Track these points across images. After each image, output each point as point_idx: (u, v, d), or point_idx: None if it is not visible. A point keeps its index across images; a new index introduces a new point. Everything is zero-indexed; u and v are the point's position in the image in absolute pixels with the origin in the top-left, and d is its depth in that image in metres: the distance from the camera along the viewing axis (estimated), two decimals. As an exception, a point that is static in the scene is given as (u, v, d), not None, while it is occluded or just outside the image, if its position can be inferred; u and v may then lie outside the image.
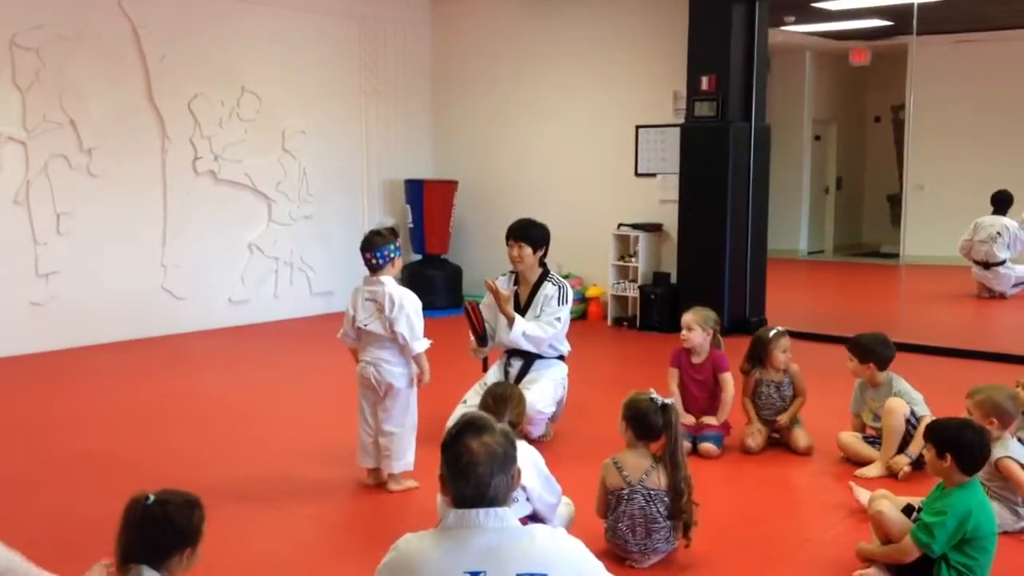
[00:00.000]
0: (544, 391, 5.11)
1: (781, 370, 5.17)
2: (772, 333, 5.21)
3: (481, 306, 5.38)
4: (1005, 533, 3.76)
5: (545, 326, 5.18)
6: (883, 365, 4.87)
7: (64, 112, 7.63)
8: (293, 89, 9.24)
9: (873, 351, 4.87)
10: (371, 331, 4.42)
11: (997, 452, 3.86)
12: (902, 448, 4.67)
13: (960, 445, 3.34)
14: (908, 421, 4.68)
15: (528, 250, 5.23)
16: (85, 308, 7.82)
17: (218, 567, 3.31)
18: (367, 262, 4.45)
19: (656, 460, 3.63)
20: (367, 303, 4.44)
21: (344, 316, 4.57)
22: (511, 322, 5.12)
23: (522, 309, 5.26)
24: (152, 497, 2.46)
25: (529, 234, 5.27)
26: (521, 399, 3.80)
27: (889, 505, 3.53)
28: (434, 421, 4.65)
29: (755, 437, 5.07)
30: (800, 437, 5.08)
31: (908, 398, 4.76)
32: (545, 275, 5.32)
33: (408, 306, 4.38)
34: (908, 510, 3.51)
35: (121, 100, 7.99)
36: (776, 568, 3.68)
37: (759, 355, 5.20)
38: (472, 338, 5.35)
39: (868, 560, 3.55)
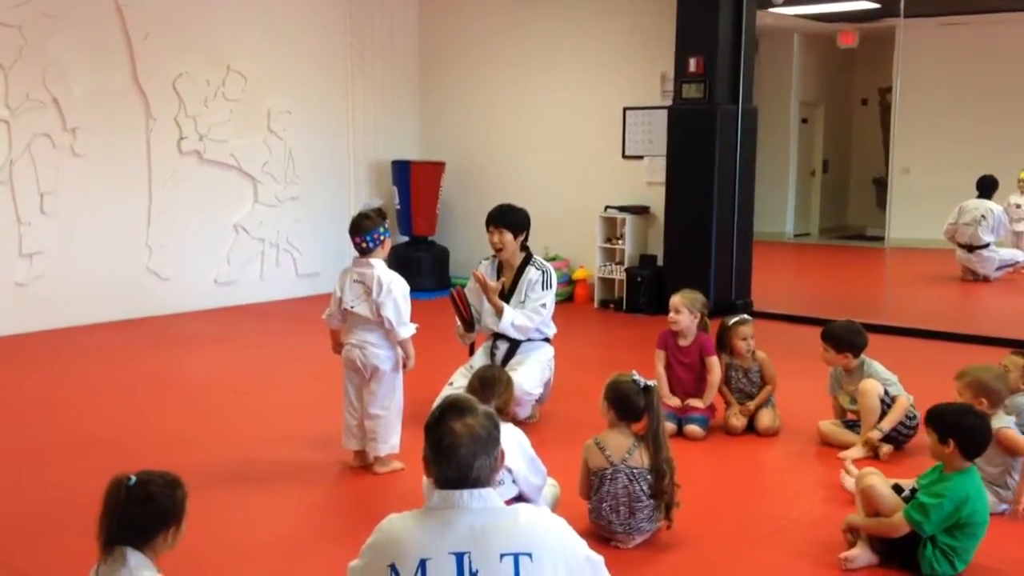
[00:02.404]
0: (531, 372, 5.12)
1: (749, 356, 5.20)
2: (732, 321, 5.25)
3: (466, 290, 5.38)
4: (993, 514, 3.77)
5: (531, 314, 5.19)
6: (857, 353, 4.89)
7: (47, 90, 7.56)
8: (279, 68, 9.17)
9: (847, 341, 4.88)
10: (358, 313, 4.40)
11: (993, 424, 3.90)
12: None
13: (962, 430, 3.36)
14: (882, 400, 4.71)
15: (509, 236, 5.22)
16: (69, 289, 7.78)
17: (202, 549, 3.31)
18: (357, 246, 4.43)
19: (638, 439, 3.65)
20: (355, 285, 4.42)
21: (331, 297, 4.55)
22: (499, 313, 5.12)
23: (506, 294, 5.25)
24: (134, 478, 2.44)
25: (509, 219, 5.25)
26: (509, 383, 3.80)
27: (880, 480, 3.54)
28: (420, 404, 4.63)
29: (739, 417, 5.10)
30: (763, 417, 5.10)
31: (880, 379, 4.80)
32: (528, 259, 5.31)
33: (396, 290, 4.37)
34: (897, 489, 3.53)
35: (105, 79, 7.92)
36: (759, 547, 3.70)
37: (722, 342, 5.24)
38: (459, 323, 5.35)
39: (854, 531, 3.54)
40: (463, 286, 5.43)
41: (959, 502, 3.30)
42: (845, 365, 4.90)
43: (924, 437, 4.59)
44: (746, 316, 5.36)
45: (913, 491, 3.48)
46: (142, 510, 2.41)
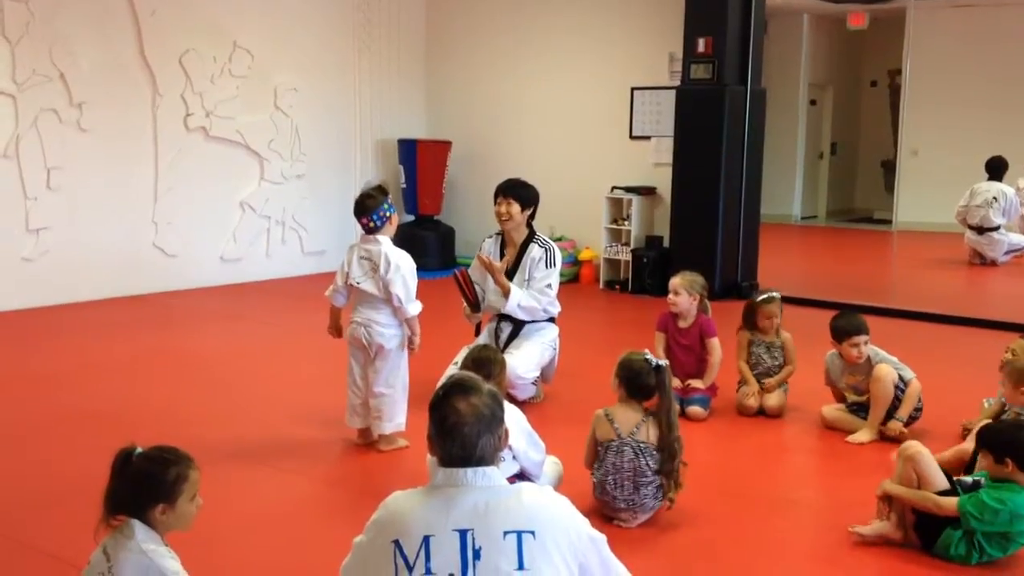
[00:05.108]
0: (528, 356, 5.08)
1: (773, 332, 5.20)
2: (760, 298, 5.25)
3: (470, 269, 5.36)
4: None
5: (538, 295, 5.16)
6: None
7: (54, 65, 7.55)
8: (286, 45, 9.14)
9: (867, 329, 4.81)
10: (364, 290, 4.40)
11: None
12: (890, 414, 4.68)
13: (1018, 447, 3.32)
14: (896, 386, 4.68)
15: (516, 207, 5.18)
16: (75, 264, 7.79)
17: (208, 524, 3.32)
18: (364, 227, 4.42)
19: (647, 414, 3.66)
20: (362, 261, 4.41)
21: (336, 273, 4.54)
22: (507, 294, 5.10)
23: (509, 272, 5.22)
24: (139, 449, 2.47)
25: (518, 192, 5.23)
26: (503, 364, 3.76)
27: (928, 451, 3.50)
28: (425, 383, 4.65)
29: (755, 397, 5.09)
30: (773, 396, 5.09)
31: (891, 363, 4.74)
32: (531, 237, 5.29)
33: (404, 267, 4.37)
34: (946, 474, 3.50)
35: (112, 54, 7.91)
36: (763, 530, 3.70)
37: (750, 318, 5.24)
38: (465, 304, 5.35)
39: (888, 499, 3.51)
40: (467, 267, 5.41)
41: (1015, 516, 3.27)
42: (858, 356, 4.79)
43: (930, 421, 4.63)
44: (774, 294, 5.28)
45: (976, 483, 3.43)
46: (131, 483, 2.43)
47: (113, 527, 2.45)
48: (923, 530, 3.45)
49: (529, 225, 5.31)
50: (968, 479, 3.49)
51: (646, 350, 3.74)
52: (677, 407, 4.58)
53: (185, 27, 8.31)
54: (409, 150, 9.85)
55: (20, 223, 7.52)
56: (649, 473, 3.60)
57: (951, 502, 3.34)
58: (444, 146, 10.00)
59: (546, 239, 5.33)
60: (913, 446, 3.54)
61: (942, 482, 3.43)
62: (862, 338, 4.74)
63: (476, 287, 5.30)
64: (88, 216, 7.86)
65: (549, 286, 5.20)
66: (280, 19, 9.07)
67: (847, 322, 4.81)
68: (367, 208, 4.39)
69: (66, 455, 4.40)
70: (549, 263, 5.20)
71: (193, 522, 2.53)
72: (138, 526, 2.42)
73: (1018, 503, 3.29)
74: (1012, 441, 3.35)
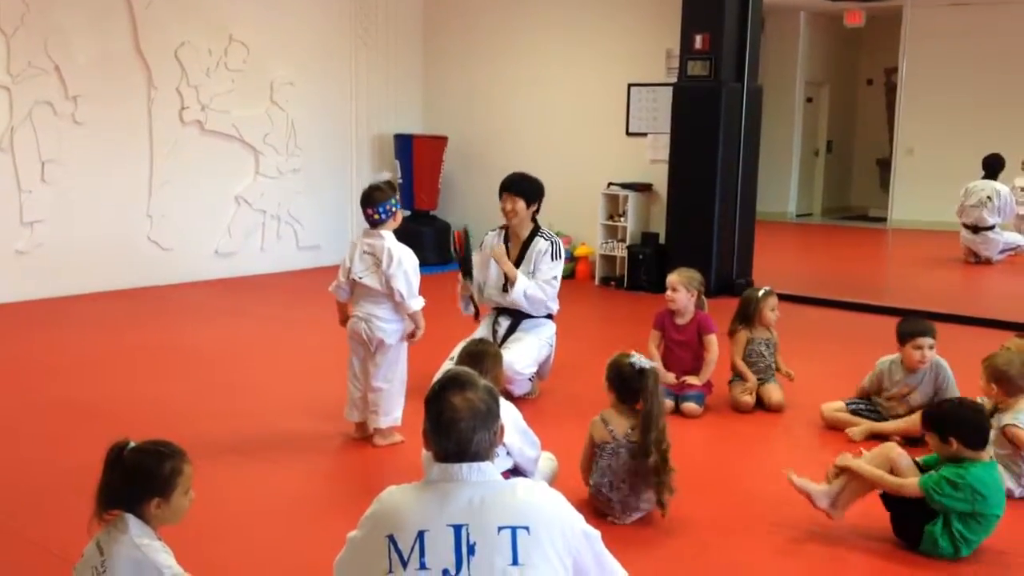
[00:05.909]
0: (526, 351, 5.09)
1: (768, 328, 5.24)
2: (761, 292, 5.30)
3: (475, 259, 5.36)
4: (1009, 498, 3.69)
5: (544, 286, 5.18)
6: None
7: (49, 58, 7.53)
8: (282, 39, 9.12)
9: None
10: (366, 285, 4.40)
11: (1005, 419, 3.89)
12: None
13: (959, 426, 3.36)
14: None
15: (522, 203, 5.21)
16: (70, 257, 7.77)
17: (203, 518, 3.32)
18: (369, 218, 4.42)
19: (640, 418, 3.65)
20: (365, 256, 4.41)
21: (339, 268, 4.54)
22: (513, 282, 5.11)
23: (513, 264, 5.23)
24: (132, 443, 2.46)
25: (523, 188, 5.24)
26: (497, 357, 3.74)
27: (908, 456, 3.55)
28: (422, 377, 4.63)
29: (752, 394, 5.13)
30: (773, 392, 5.14)
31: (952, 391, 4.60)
32: (536, 230, 5.30)
33: (406, 263, 4.37)
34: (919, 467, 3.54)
35: (107, 47, 7.88)
36: (756, 527, 3.70)
37: (748, 314, 5.24)
38: (460, 279, 5.30)
39: (841, 473, 3.57)
40: (467, 230, 5.38)
41: (976, 488, 3.30)
42: (921, 360, 4.67)
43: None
44: (768, 288, 5.36)
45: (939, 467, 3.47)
46: (125, 477, 2.43)
47: (106, 521, 2.44)
48: (903, 530, 3.48)
49: (534, 219, 5.32)
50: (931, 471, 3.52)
51: (633, 352, 3.73)
52: (668, 403, 4.60)
53: (181, 20, 8.29)
54: (405, 145, 9.83)
55: (14, 216, 7.50)
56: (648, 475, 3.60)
57: (912, 482, 3.39)
58: (440, 141, 9.99)
59: (551, 233, 5.35)
60: (896, 448, 3.61)
61: (916, 474, 3.47)
62: (927, 340, 4.64)
63: (475, 283, 5.30)
64: (82, 209, 7.84)
65: (555, 278, 5.22)
66: (276, 13, 9.05)
67: (913, 324, 4.75)
68: (374, 200, 4.39)
69: (59, 449, 4.39)
70: (555, 256, 5.23)
71: (185, 516, 2.53)
72: (132, 520, 2.42)
73: (975, 474, 3.32)
74: (952, 419, 3.40)
